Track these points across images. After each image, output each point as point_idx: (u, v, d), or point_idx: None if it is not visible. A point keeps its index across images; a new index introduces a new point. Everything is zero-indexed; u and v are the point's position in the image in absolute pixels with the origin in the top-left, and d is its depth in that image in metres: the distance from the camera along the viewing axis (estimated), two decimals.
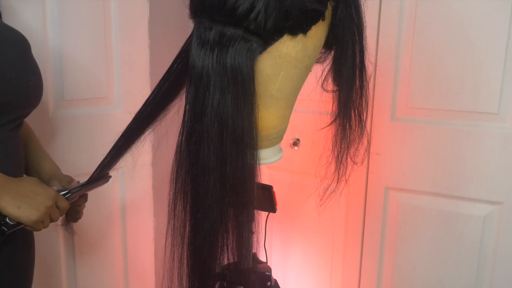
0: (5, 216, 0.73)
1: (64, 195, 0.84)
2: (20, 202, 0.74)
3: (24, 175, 0.92)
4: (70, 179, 0.94)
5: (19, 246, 0.89)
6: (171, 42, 1.61)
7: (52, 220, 0.81)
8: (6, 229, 0.74)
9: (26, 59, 0.86)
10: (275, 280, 0.97)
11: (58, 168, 0.99)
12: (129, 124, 0.81)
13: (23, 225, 0.76)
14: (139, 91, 1.52)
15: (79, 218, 0.97)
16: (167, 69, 0.75)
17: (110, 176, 0.94)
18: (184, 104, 0.69)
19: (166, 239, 0.74)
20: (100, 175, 0.90)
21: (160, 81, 0.75)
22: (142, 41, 1.53)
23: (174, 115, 0.79)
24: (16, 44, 0.84)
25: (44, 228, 0.79)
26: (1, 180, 0.73)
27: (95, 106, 1.44)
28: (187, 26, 0.70)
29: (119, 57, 1.47)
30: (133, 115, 0.80)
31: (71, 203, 0.87)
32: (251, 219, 0.84)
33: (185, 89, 0.70)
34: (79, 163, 1.38)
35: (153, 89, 0.77)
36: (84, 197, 0.94)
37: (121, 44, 1.47)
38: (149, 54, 1.55)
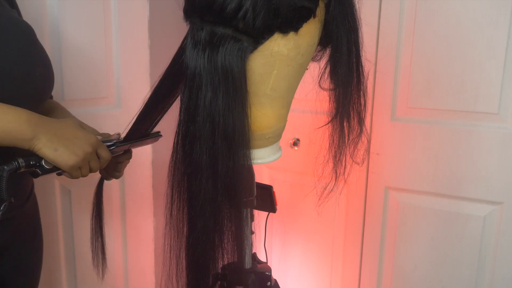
0: (41, 159, 0.68)
1: (108, 146, 0.77)
2: (58, 144, 0.67)
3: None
4: (108, 135, 0.85)
5: (28, 247, 0.88)
6: (171, 42, 1.60)
7: (91, 170, 0.74)
8: (40, 172, 0.69)
9: (30, 50, 0.79)
10: (275, 280, 0.97)
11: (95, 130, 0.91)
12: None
13: (60, 171, 0.70)
14: (139, 91, 1.52)
15: (119, 176, 0.89)
16: (165, 69, 0.75)
17: (161, 136, 0.87)
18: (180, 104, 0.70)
19: (164, 238, 0.74)
20: (150, 133, 0.83)
21: (158, 81, 0.76)
22: (142, 41, 1.53)
23: (174, 114, 0.79)
24: (18, 35, 0.78)
25: (82, 176, 0.72)
26: (38, 120, 0.67)
27: (95, 106, 1.44)
28: (187, 27, 0.70)
29: (119, 57, 1.47)
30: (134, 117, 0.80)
31: (113, 157, 0.80)
32: (248, 219, 0.84)
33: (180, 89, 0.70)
34: None
35: (151, 89, 0.77)
36: (128, 154, 0.86)
37: (121, 44, 1.47)
38: (149, 54, 1.55)
